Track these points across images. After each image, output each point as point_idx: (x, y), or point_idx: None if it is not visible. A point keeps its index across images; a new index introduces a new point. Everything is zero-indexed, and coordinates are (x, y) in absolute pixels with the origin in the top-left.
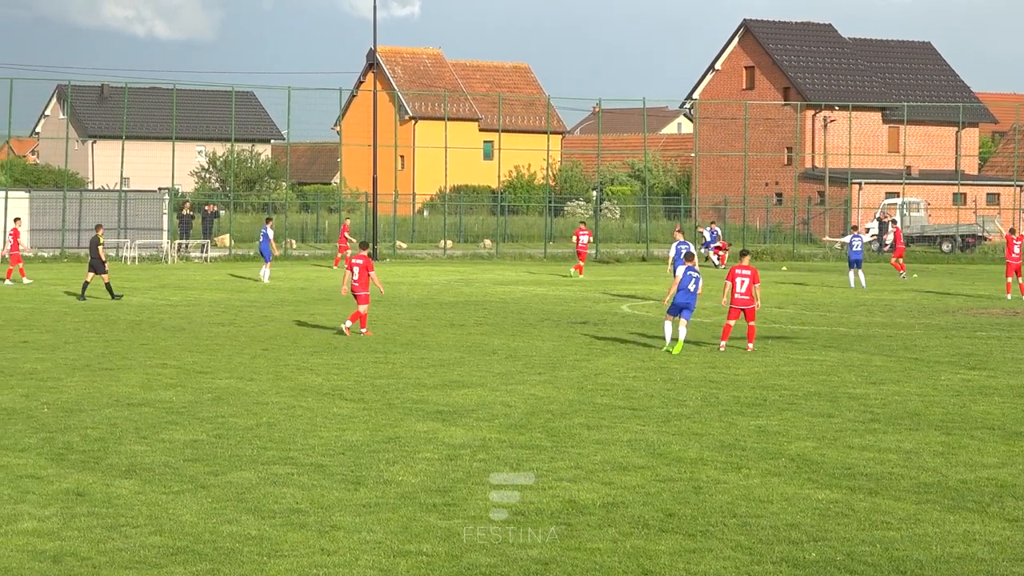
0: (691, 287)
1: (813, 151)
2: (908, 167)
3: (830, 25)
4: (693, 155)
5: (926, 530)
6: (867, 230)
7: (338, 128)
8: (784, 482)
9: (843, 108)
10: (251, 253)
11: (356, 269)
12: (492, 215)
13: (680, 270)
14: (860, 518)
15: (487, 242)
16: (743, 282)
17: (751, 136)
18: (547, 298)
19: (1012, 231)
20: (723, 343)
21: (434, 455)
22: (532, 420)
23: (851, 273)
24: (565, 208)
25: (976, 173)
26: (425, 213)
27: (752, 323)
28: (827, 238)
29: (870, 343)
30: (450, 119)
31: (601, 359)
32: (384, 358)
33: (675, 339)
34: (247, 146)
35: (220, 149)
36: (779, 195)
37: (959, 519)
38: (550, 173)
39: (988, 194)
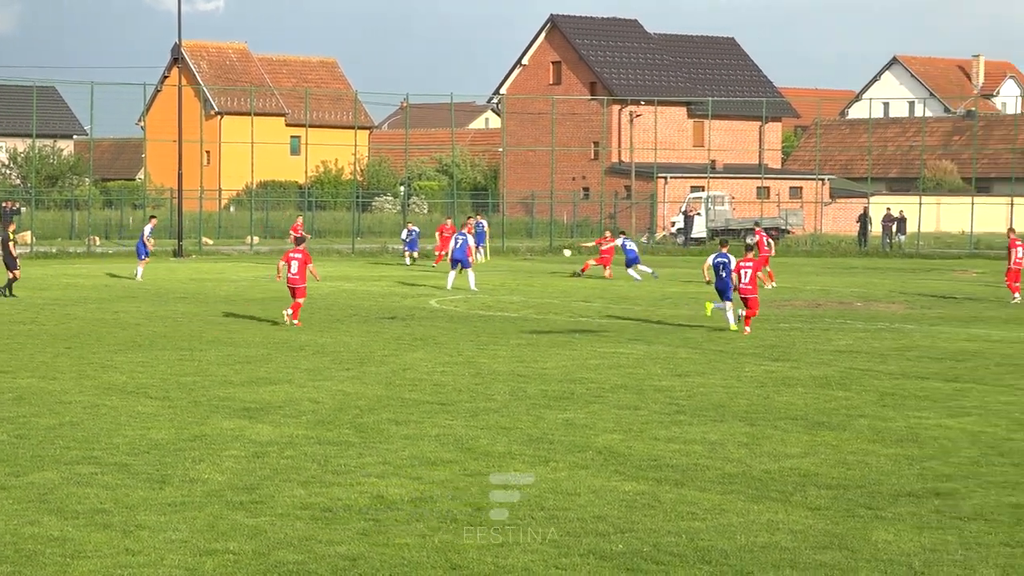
0: (722, 273)
1: (619, 146)
2: (713, 161)
3: (636, 21)
4: (501, 150)
5: (731, 520)
6: (672, 224)
7: (142, 123)
8: (591, 475)
9: (649, 103)
10: (53, 250)
11: (295, 263)
12: (299, 211)
13: (710, 258)
14: (666, 509)
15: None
16: (746, 273)
17: (558, 131)
18: (355, 293)
19: (758, 223)
20: (747, 328)
21: (241, 452)
22: (340, 416)
23: (631, 270)
24: (373, 203)
25: (779, 167)
26: (231, 209)
27: (751, 311)
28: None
29: (676, 336)
30: (256, 114)
31: (409, 354)
32: (190, 355)
33: (737, 317)
34: (49, 142)
35: (21, 145)
36: (586, 189)
37: (763, 509)
38: (358, 168)
39: (791, 187)
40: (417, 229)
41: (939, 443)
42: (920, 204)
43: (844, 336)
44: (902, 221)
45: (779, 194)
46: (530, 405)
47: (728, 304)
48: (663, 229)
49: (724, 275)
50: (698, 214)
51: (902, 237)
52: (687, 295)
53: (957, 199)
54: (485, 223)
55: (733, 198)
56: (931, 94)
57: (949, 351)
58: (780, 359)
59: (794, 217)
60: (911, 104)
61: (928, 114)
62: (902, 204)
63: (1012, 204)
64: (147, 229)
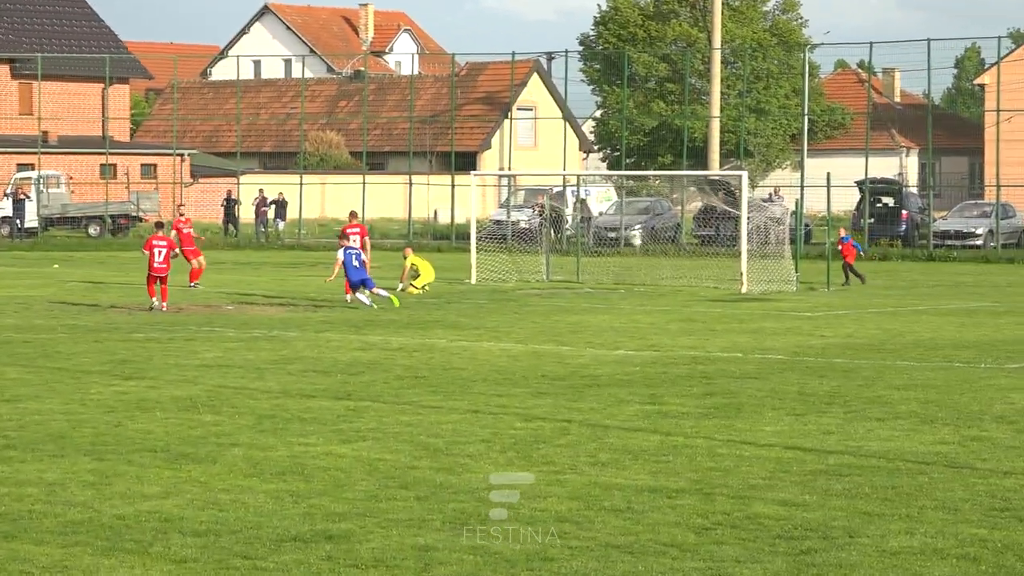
0: (355, 263)
1: None
2: (45, 132)
3: None
4: None
5: None
6: None
7: None
8: None
9: None
10: None
11: (161, 251)
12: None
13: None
14: None
15: None
16: (161, 252)
17: None
18: None
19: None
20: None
21: None
22: None
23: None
24: None
25: (129, 140)
26: None
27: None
28: None
29: (1, 351)
30: None
31: None
32: None
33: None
34: None
35: None
36: None
37: (116, 563)
38: None
39: (143, 165)
40: None
41: (329, 475)
42: (301, 184)
43: (213, 347)
44: (281, 205)
45: (128, 173)
46: None
47: (364, 291)
48: None
49: (357, 265)
50: (28, 198)
51: (281, 224)
52: (14, 299)
53: (345, 178)
54: None
55: (71, 178)
56: (311, 51)
57: (340, 362)
58: (134, 377)
59: (148, 201)
60: (288, 63)
61: (308, 75)
62: (280, 185)
63: (411, 183)
64: None
